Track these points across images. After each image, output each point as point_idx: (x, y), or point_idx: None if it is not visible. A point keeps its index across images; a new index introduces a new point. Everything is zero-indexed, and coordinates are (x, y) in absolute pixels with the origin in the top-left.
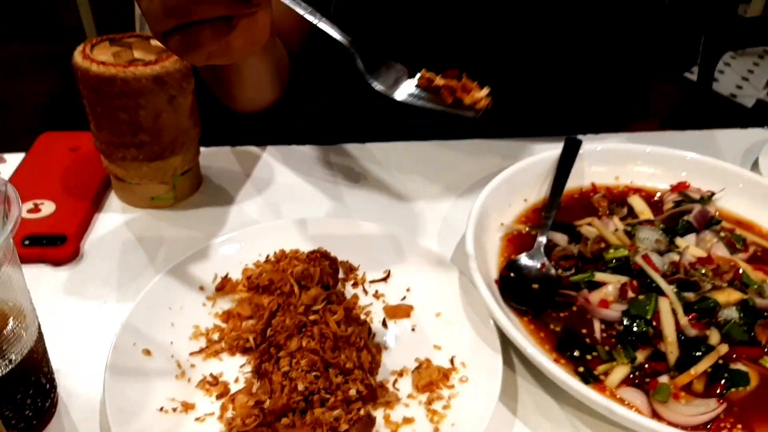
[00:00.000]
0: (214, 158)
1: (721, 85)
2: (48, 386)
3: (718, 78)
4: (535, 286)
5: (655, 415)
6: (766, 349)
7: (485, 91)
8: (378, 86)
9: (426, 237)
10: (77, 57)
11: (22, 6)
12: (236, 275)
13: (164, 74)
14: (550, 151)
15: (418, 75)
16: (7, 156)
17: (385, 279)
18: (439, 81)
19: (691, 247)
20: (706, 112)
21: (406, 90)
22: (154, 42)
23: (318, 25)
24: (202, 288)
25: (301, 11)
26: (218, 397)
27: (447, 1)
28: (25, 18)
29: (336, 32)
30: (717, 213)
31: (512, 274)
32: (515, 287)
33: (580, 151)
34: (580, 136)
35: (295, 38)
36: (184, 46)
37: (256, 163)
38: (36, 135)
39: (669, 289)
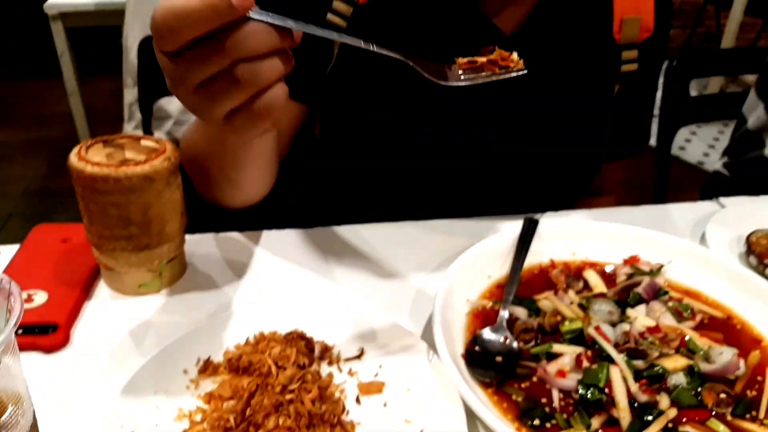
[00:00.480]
0: (198, 245)
1: (688, 153)
2: None
3: (685, 147)
4: (499, 359)
5: None
6: (713, 412)
7: (515, 53)
8: (448, 83)
9: (398, 313)
10: (73, 159)
11: (8, 91)
12: (218, 358)
13: (153, 172)
14: (511, 230)
15: (456, 63)
16: (0, 247)
17: (358, 356)
18: (481, 59)
19: (640, 318)
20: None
21: (460, 77)
22: (144, 142)
23: (374, 50)
24: (186, 371)
25: (353, 42)
26: None
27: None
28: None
29: (391, 52)
30: (666, 284)
31: (477, 348)
32: (480, 360)
33: (540, 229)
34: (540, 215)
35: (287, 136)
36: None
37: (238, 249)
38: (19, 219)
39: (619, 358)
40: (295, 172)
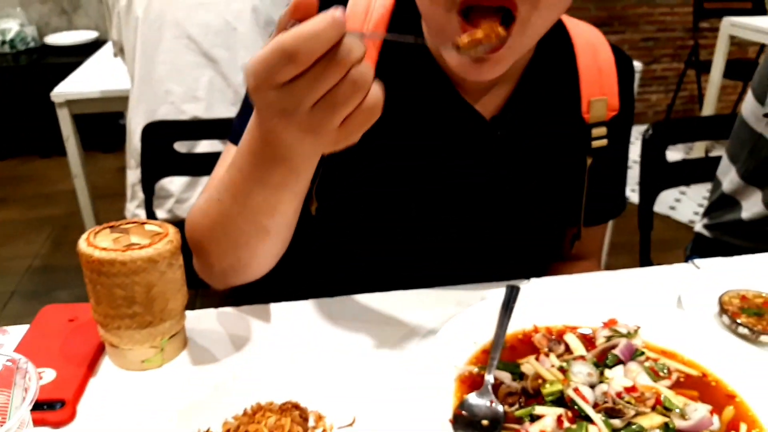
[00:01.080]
0: (198, 321)
1: (678, 213)
2: None
3: (675, 206)
4: (485, 422)
5: None
6: None
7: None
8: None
9: (390, 381)
10: (82, 244)
11: (13, 170)
12: (218, 429)
13: (156, 255)
14: (495, 297)
15: (460, 43)
16: (8, 328)
17: (351, 424)
18: (478, 34)
19: (618, 378)
20: (664, 241)
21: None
22: (148, 226)
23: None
24: None
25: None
26: None
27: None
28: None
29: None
30: (643, 345)
31: (464, 413)
32: (467, 425)
33: (523, 295)
34: (523, 281)
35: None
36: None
37: (236, 323)
38: (21, 297)
39: (597, 417)
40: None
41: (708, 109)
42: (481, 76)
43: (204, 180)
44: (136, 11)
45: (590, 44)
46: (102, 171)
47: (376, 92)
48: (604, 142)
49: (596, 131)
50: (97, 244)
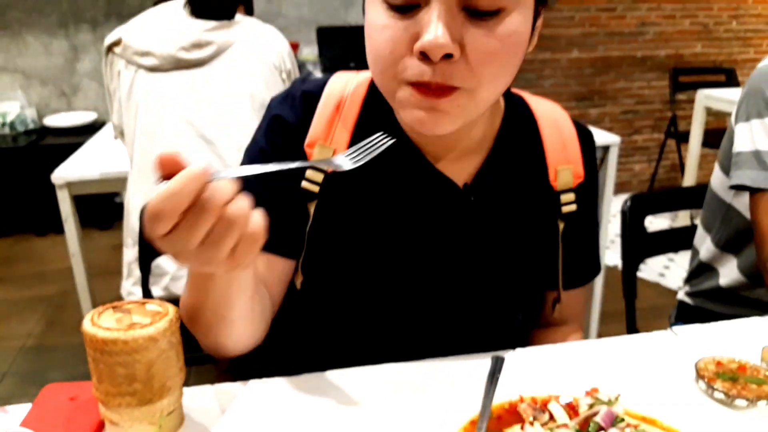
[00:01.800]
0: (194, 397)
1: (667, 280)
2: None
3: (665, 273)
4: None
5: None
6: None
7: None
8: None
9: None
10: (86, 324)
11: (8, 249)
12: None
13: (157, 333)
14: (482, 368)
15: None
16: (9, 407)
17: None
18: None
19: None
20: (656, 307)
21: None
22: (149, 306)
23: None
24: None
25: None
26: None
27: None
28: (11, 261)
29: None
30: (624, 412)
31: None
32: None
33: (509, 365)
34: (509, 352)
35: (278, 290)
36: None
37: (231, 399)
38: (14, 377)
39: None
40: (277, 323)
41: (689, 177)
42: (437, 128)
43: None
44: (137, 98)
45: (552, 118)
46: (97, 248)
47: (256, 221)
48: (573, 207)
49: (565, 197)
50: (100, 324)
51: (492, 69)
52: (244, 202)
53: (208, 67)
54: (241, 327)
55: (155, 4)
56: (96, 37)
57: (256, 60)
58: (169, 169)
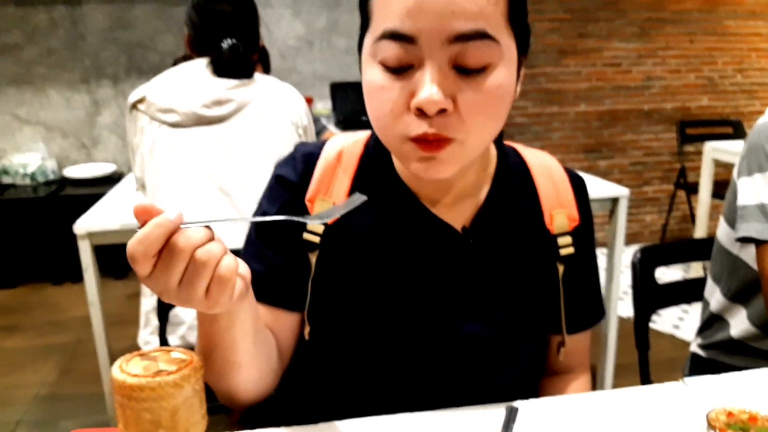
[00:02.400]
0: None
1: (682, 332)
2: None
3: (679, 325)
4: None
5: None
6: None
7: None
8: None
9: None
10: (115, 371)
11: (24, 297)
12: None
13: (182, 380)
14: (495, 418)
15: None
16: None
17: None
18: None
19: None
20: (671, 359)
21: None
22: (174, 354)
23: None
24: None
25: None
26: None
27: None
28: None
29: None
30: None
31: None
32: None
33: (522, 416)
34: (521, 402)
35: (288, 342)
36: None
37: None
38: (27, 426)
39: None
40: (289, 372)
41: (700, 228)
42: (437, 173)
43: None
44: (159, 152)
45: (544, 165)
46: (112, 297)
47: (227, 264)
48: (571, 250)
49: (562, 240)
50: (128, 370)
51: (481, 119)
52: (214, 246)
53: (227, 123)
54: (248, 371)
55: (175, 63)
56: (117, 92)
57: (274, 117)
58: (144, 218)
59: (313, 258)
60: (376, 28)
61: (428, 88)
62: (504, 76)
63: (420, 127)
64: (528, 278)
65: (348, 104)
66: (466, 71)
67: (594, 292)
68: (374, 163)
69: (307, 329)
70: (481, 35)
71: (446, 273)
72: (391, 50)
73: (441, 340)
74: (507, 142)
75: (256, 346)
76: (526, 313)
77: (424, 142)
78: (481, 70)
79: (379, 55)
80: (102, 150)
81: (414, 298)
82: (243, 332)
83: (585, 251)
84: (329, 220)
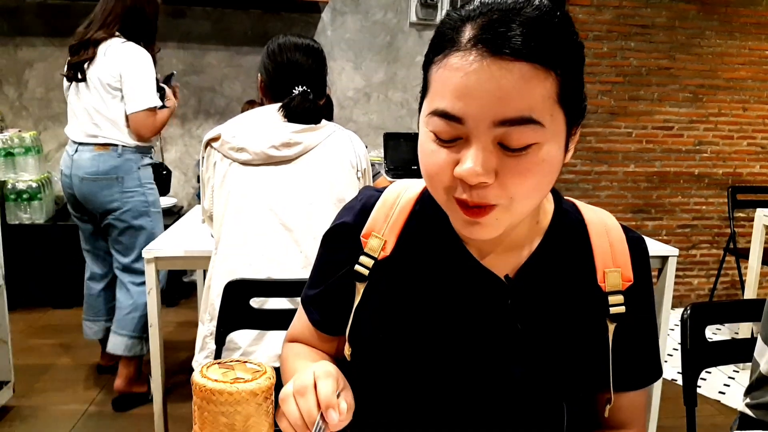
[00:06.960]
0: None
1: (728, 398)
2: None
3: (725, 391)
4: None
5: None
6: None
7: None
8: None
9: None
10: (196, 376)
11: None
12: None
13: (257, 388)
14: None
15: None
16: None
17: None
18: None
19: None
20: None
21: None
22: (249, 365)
23: None
24: None
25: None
26: None
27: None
28: (79, 330)
29: None
30: None
31: None
32: None
33: None
34: None
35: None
36: None
37: None
38: None
39: None
40: None
41: (749, 294)
42: (481, 235)
43: (269, 334)
44: (228, 186)
45: (602, 223)
46: (164, 324)
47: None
48: (622, 309)
49: (613, 299)
50: (209, 376)
51: (524, 189)
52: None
53: (293, 163)
54: None
55: (243, 109)
56: (184, 131)
57: (336, 159)
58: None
59: (360, 288)
60: (431, 101)
61: (470, 161)
62: (548, 152)
63: (463, 193)
64: (574, 332)
65: (400, 153)
66: (510, 149)
67: (650, 352)
68: (427, 207)
69: (348, 350)
70: (526, 121)
71: (486, 319)
72: (441, 126)
73: (477, 385)
74: (567, 197)
75: None
76: (567, 365)
77: (466, 206)
78: (526, 148)
79: (431, 125)
80: None
81: (452, 341)
82: None
83: (640, 310)
84: None
